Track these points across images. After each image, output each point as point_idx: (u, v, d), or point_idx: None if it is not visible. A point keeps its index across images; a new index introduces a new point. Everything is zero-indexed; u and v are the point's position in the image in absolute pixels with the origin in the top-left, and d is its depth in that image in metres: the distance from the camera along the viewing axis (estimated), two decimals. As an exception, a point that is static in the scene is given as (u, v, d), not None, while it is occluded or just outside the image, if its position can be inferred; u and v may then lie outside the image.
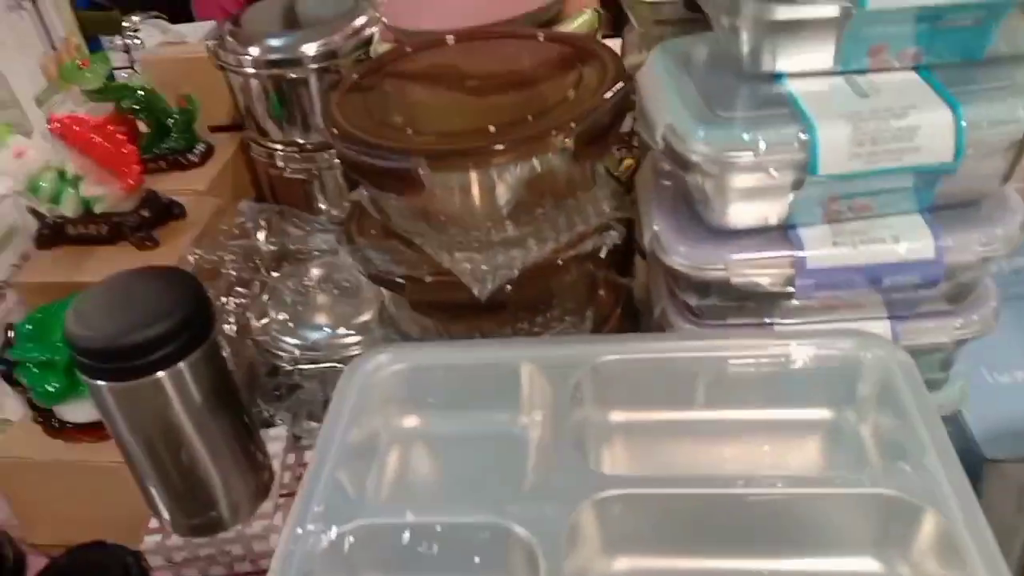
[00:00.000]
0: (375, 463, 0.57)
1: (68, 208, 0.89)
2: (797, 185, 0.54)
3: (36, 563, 0.81)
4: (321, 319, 0.85)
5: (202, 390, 0.64)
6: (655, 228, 0.60)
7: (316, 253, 0.93)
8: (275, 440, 0.79)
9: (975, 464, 0.67)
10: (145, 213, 0.92)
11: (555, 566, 0.44)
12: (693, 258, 0.58)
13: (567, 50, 0.70)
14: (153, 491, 0.68)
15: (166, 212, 0.94)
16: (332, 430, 0.54)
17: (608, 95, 0.60)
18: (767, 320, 0.60)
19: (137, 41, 1.30)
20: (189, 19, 1.51)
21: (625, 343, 0.59)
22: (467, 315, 0.66)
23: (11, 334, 0.82)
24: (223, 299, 0.87)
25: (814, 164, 0.52)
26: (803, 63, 0.55)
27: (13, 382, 0.84)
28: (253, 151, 1.04)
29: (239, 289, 0.88)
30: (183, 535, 0.71)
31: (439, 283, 0.62)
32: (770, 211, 0.56)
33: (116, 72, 1.18)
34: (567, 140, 0.58)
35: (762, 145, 0.52)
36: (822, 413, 0.57)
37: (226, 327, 0.85)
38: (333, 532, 0.47)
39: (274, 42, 0.95)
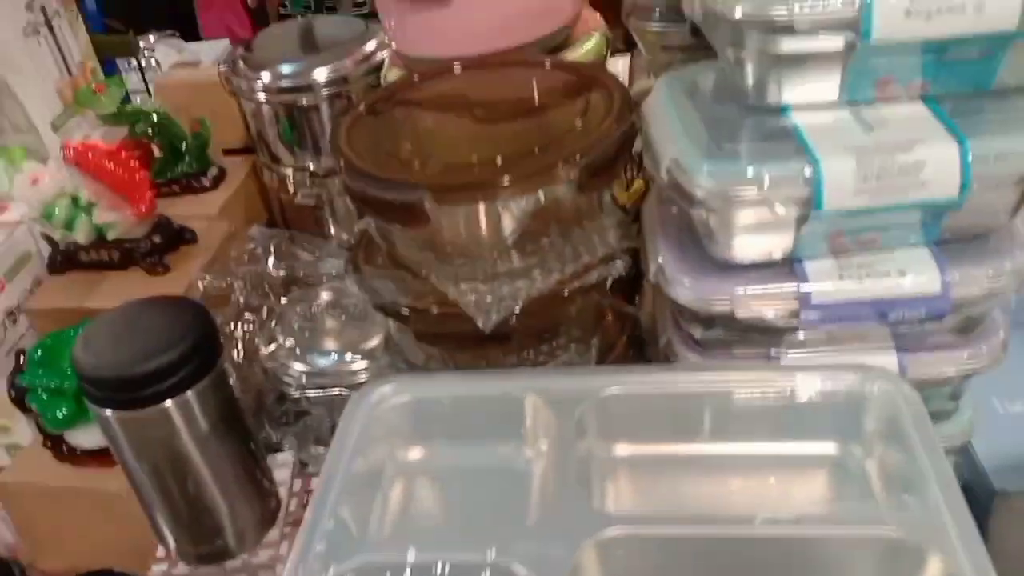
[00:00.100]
0: (378, 496, 0.57)
1: (81, 234, 0.90)
2: (802, 220, 0.53)
3: (44, 588, 0.82)
4: (329, 344, 0.85)
5: (209, 419, 0.65)
6: (660, 260, 0.60)
7: (325, 278, 0.94)
8: (282, 467, 0.79)
9: (985, 496, 0.66)
10: (156, 239, 0.93)
11: (557, 606, 0.44)
12: (698, 291, 0.57)
13: (574, 78, 0.71)
14: (160, 519, 0.68)
15: (177, 237, 0.95)
16: (336, 462, 0.54)
17: (614, 128, 0.60)
18: (772, 352, 0.59)
19: (153, 61, 1.32)
20: (197, 38, 1.53)
21: (629, 375, 0.59)
22: (472, 345, 0.66)
23: (22, 359, 0.83)
24: (232, 325, 0.87)
25: (819, 200, 0.52)
26: (808, 95, 0.55)
27: (24, 407, 0.84)
28: (265, 176, 1.05)
29: (248, 315, 0.88)
30: (189, 564, 0.71)
31: (444, 314, 0.62)
32: (775, 245, 0.56)
33: (131, 94, 1.20)
34: (573, 173, 0.58)
35: (767, 181, 0.52)
36: (827, 447, 0.57)
37: (234, 353, 0.86)
38: (332, 572, 0.47)
39: (285, 68, 0.96)
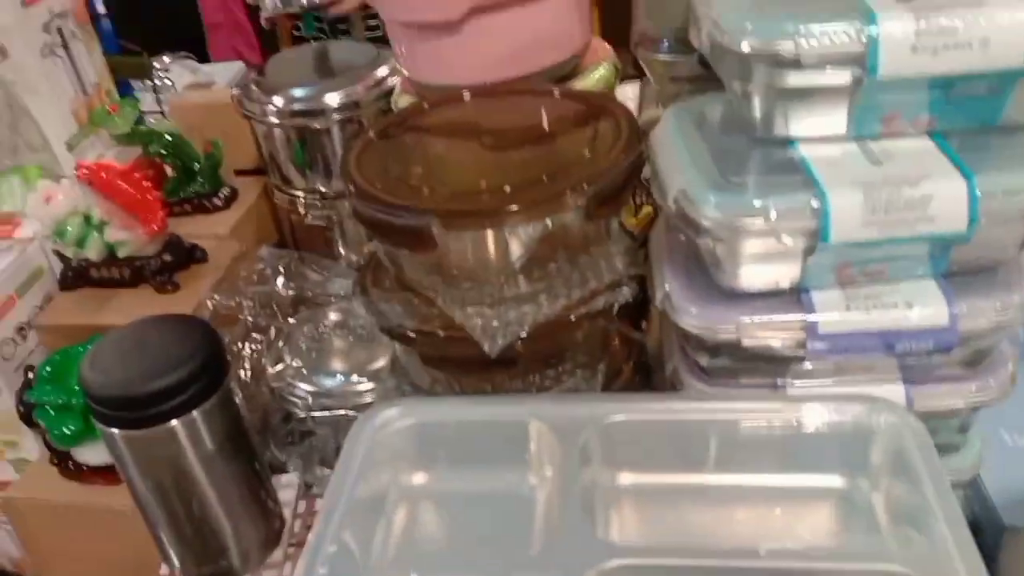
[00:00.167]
0: (382, 520, 0.57)
1: (92, 252, 0.91)
2: (809, 251, 0.54)
3: (47, 604, 0.82)
4: (336, 365, 0.85)
5: (215, 438, 0.65)
6: (667, 287, 0.60)
7: (333, 299, 0.94)
8: (287, 487, 0.79)
9: (994, 532, 0.65)
10: (167, 257, 0.93)
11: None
12: (704, 319, 0.58)
13: (583, 107, 0.71)
14: (164, 537, 0.68)
15: (188, 256, 0.96)
16: (340, 485, 0.54)
17: (623, 158, 0.61)
18: (779, 382, 0.59)
19: (168, 82, 1.33)
20: (205, 60, 1.54)
21: (635, 403, 0.59)
22: (478, 369, 0.66)
23: (31, 375, 0.84)
24: (239, 344, 0.88)
25: (826, 232, 0.52)
26: (815, 129, 0.56)
27: (32, 423, 0.85)
28: (276, 197, 1.06)
29: (255, 335, 0.88)
30: (193, 583, 0.71)
31: (450, 338, 0.62)
32: (782, 275, 0.56)
33: (146, 115, 1.21)
34: (580, 201, 0.58)
35: (773, 213, 0.52)
36: (833, 479, 0.57)
37: (241, 373, 0.86)
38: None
39: (297, 92, 0.97)
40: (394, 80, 0.95)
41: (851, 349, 0.56)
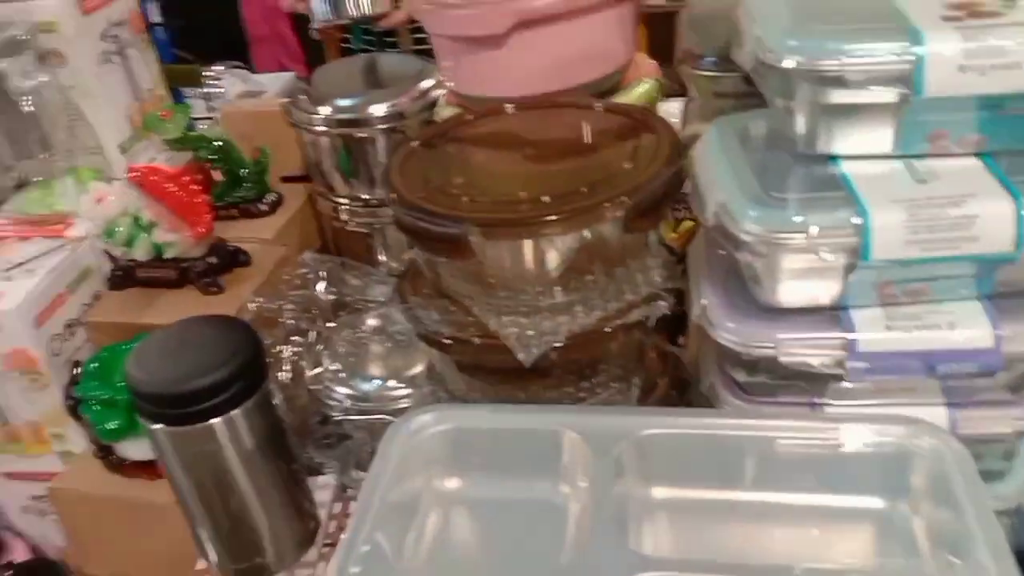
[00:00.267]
0: (414, 524, 0.57)
1: (140, 252, 0.94)
2: (849, 269, 0.53)
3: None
4: (373, 370, 0.86)
5: (254, 438, 0.66)
6: (704, 302, 0.60)
7: (373, 305, 0.95)
8: (323, 488, 0.80)
9: (1038, 563, 0.63)
10: (212, 260, 0.95)
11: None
12: (742, 335, 0.57)
13: (624, 121, 0.71)
14: (202, 533, 0.70)
15: (232, 259, 0.98)
16: (374, 488, 0.55)
17: (662, 171, 0.61)
18: (817, 400, 0.59)
19: (220, 89, 1.37)
20: (250, 71, 1.58)
21: (669, 417, 0.59)
22: (512, 378, 0.66)
23: (78, 371, 0.86)
24: (280, 347, 0.89)
25: (867, 250, 0.51)
26: (860, 146, 0.55)
27: (77, 416, 0.87)
28: (319, 204, 1.08)
29: (296, 338, 0.90)
30: (227, 579, 0.72)
31: (486, 346, 0.63)
32: (821, 292, 0.56)
33: (197, 122, 1.25)
34: (619, 213, 0.59)
35: (813, 229, 0.52)
36: (872, 501, 0.56)
37: (281, 375, 0.87)
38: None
39: (343, 102, 0.99)
40: (438, 92, 0.96)
41: (891, 369, 0.56)
